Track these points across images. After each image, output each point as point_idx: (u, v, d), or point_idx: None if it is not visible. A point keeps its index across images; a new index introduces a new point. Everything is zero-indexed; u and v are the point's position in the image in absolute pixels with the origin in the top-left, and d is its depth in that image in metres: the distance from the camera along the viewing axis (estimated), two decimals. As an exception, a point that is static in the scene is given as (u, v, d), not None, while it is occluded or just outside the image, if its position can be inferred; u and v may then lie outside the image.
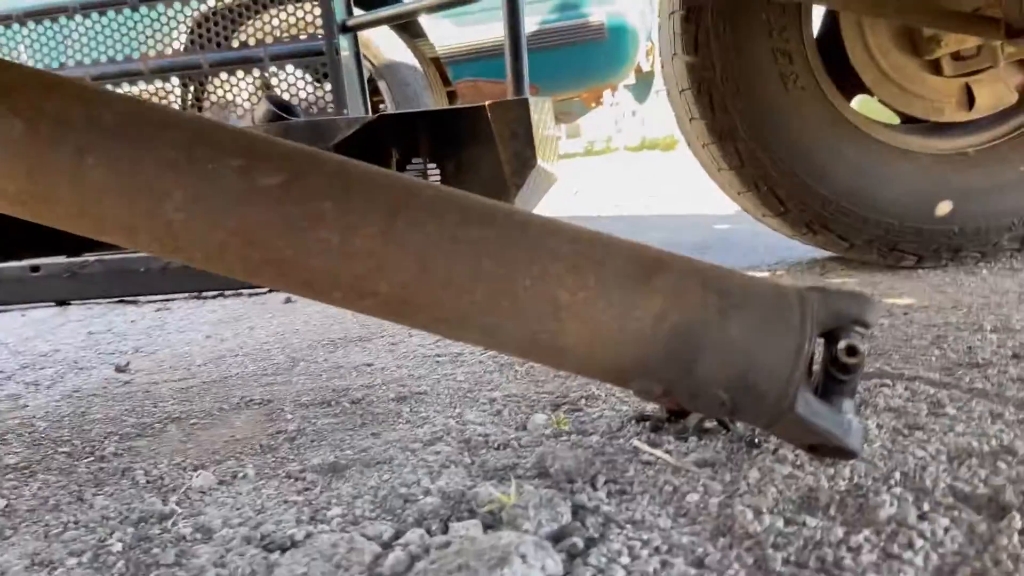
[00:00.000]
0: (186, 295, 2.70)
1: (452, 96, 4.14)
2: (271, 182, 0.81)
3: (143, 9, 1.89)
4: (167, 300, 2.71)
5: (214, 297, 2.69)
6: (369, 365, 1.63)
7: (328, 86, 1.79)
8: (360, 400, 1.38)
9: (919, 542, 0.71)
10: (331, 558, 0.79)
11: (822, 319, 0.83)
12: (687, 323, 0.82)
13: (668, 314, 0.82)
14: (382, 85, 3.61)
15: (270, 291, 2.59)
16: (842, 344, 0.82)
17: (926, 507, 0.77)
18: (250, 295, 2.59)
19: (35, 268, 2.88)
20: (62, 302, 2.79)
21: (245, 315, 2.37)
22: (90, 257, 2.94)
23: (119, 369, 1.78)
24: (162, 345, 2.06)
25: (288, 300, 2.50)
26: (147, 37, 1.78)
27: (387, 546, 0.82)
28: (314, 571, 0.77)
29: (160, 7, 1.81)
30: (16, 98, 0.78)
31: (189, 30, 1.91)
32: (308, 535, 0.85)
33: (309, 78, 1.81)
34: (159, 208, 0.79)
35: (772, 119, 1.90)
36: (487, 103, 1.59)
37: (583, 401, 1.24)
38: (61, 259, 2.90)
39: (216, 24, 1.80)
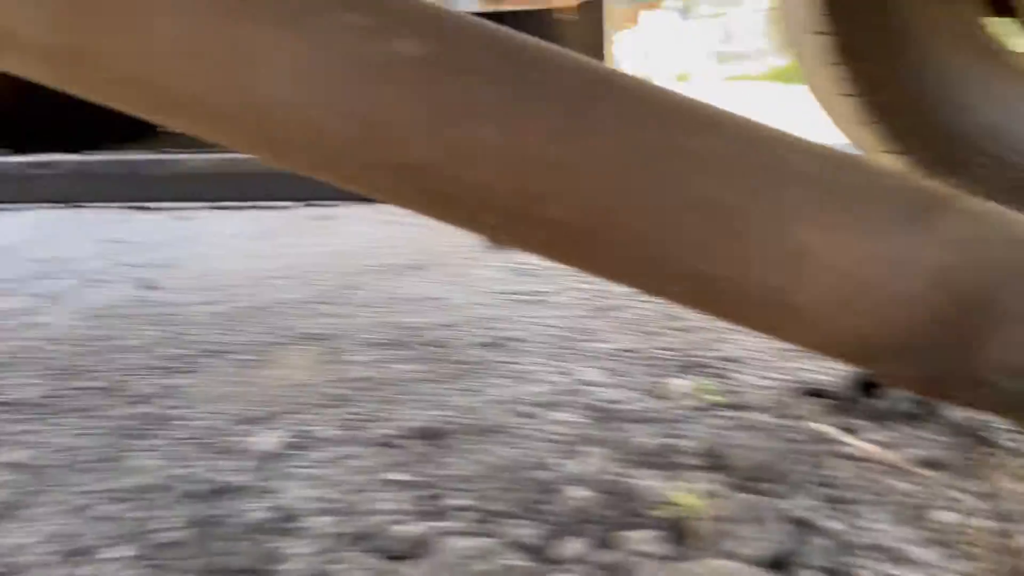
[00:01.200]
0: (206, 205, 2.45)
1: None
2: (409, 52, 0.56)
3: None
4: (183, 208, 2.46)
5: (239, 208, 2.44)
6: (436, 299, 1.41)
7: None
8: (441, 344, 1.16)
9: None
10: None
11: None
12: (978, 286, 0.59)
13: (953, 272, 0.59)
14: None
15: (306, 204, 2.36)
16: None
17: None
18: (277, 208, 2.34)
19: (43, 164, 2.64)
20: (71, 202, 2.57)
21: (278, 230, 2.13)
22: (101, 156, 2.69)
23: (147, 287, 1.56)
24: (188, 259, 1.83)
25: (324, 217, 2.26)
26: None
27: (540, 559, 0.61)
28: (455, 598, 0.57)
29: None
30: None
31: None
32: (429, 537, 0.64)
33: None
34: (253, 81, 0.55)
35: (908, 39, 1.63)
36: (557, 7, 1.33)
37: (722, 364, 1.03)
38: (71, 156, 2.65)
39: None
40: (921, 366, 0.61)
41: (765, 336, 0.65)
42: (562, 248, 0.62)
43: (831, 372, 0.92)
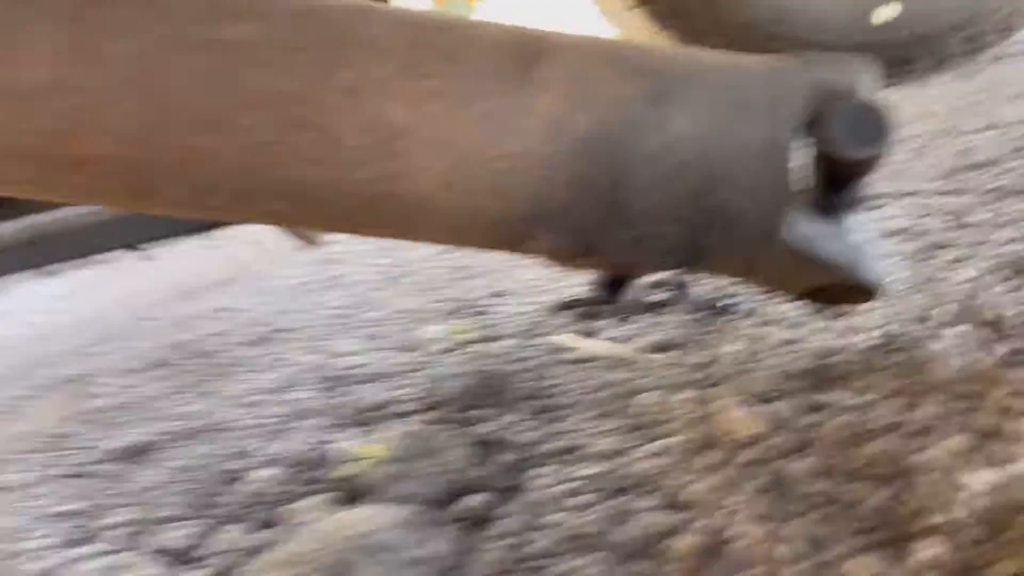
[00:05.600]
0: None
1: None
2: None
3: None
4: None
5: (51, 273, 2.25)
6: (225, 310, 1.29)
7: None
8: (206, 353, 1.04)
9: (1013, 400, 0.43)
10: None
11: (807, 97, 0.52)
12: (601, 125, 0.50)
13: (568, 117, 0.50)
14: None
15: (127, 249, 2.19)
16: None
17: (1001, 347, 0.49)
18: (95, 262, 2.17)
19: None
20: None
21: (87, 284, 1.96)
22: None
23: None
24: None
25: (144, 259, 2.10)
26: None
27: (180, 561, 0.51)
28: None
29: None
30: None
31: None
32: (54, 569, 0.53)
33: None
34: None
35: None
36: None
37: (488, 301, 0.94)
38: None
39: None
40: (574, 232, 0.52)
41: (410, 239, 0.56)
42: (112, 190, 0.51)
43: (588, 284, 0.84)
